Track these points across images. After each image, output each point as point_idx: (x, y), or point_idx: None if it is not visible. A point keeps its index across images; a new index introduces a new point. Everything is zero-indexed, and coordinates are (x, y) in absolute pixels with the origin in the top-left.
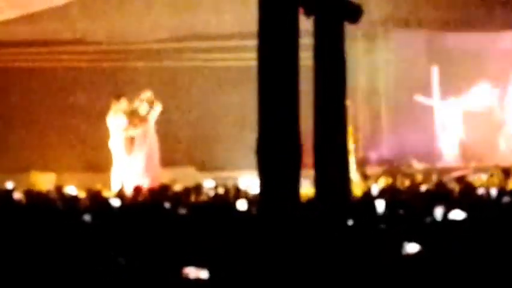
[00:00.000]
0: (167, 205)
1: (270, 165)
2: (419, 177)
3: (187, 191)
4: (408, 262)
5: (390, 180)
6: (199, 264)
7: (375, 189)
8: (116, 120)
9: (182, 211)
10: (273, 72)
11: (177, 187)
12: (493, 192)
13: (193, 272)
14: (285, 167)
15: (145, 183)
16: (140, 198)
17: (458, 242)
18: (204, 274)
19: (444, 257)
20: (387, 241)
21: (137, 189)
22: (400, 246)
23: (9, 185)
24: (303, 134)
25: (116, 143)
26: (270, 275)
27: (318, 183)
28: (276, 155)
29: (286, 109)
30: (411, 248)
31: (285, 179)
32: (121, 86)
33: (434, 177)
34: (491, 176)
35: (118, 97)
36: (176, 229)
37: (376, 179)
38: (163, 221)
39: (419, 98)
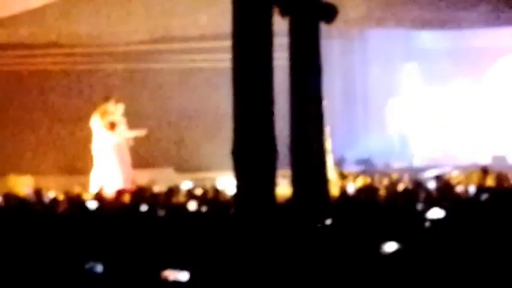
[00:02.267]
0: (144, 207)
1: (246, 166)
2: (395, 176)
3: (167, 193)
4: (387, 261)
5: (367, 180)
6: (178, 267)
7: (351, 189)
8: (102, 122)
9: (161, 213)
10: (247, 72)
11: (156, 188)
12: (472, 190)
13: (172, 275)
14: (260, 168)
15: (120, 186)
16: (122, 201)
17: (438, 240)
18: (183, 276)
19: (424, 256)
20: (366, 240)
21: (120, 192)
22: (379, 245)
23: None
24: (281, 134)
25: (99, 145)
26: (248, 275)
27: (296, 182)
28: (251, 155)
29: (261, 110)
30: (390, 246)
31: (260, 179)
32: (97, 88)
33: (407, 177)
34: (470, 174)
35: (106, 99)
36: (155, 231)
37: (354, 179)
38: (141, 223)
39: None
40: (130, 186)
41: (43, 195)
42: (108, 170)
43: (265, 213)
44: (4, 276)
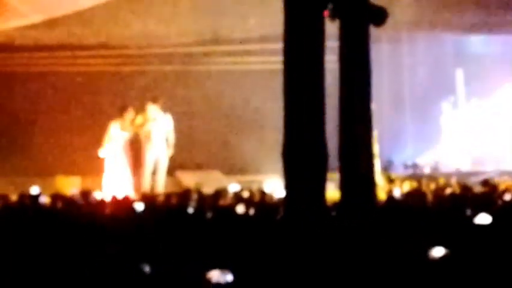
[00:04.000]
0: (192, 209)
1: (296, 168)
2: (443, 181)
3: (214, 195)
4: (434, 266)
5: (414, 184)
6: (223, 268)
7: (398, 193)
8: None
9: (208, 215)
10: (298, 75)
11: (204, 190)
12: None
13: (216, 276)
14: (310, 171)
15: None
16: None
17: (485, 246)
18: (227, 278)
19: (471, 261)
20: (413, 245)
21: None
22: (426, 250)
23: (35, 189)
24: (329, 137)
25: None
26: (295, 278)
27: (344, 186)
28: (301, 158)
29: (312, 112)
30: (437, 252)
31: (311, 182)
32: (145, 90)
33: (455, 181)
34: None
35: (124, 108)
36: (202, 233)
37: (401, 183)
38: (189, 225)
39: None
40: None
41: (90, 196)
42: (120, 174)
43: (316, 217)
44: (50, 274)
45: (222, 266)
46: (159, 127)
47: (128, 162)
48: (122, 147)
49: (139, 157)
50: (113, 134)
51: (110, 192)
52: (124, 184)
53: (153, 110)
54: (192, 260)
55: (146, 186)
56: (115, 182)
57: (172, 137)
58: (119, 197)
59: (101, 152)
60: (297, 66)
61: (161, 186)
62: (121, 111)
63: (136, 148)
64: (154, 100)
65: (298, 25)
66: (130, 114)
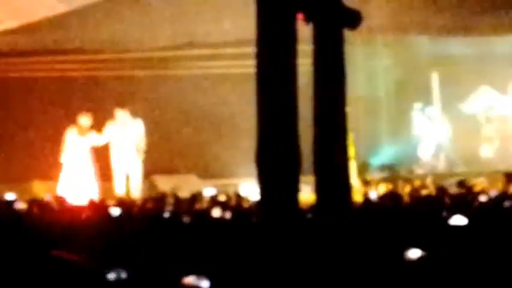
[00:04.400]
0: (168, 214)
1: (269, 173)
2: (418, 183)
3: (190, 200)
4: (411, 267)
5: (390, 186)
6: (200, 274)
7: (374, 195)
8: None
9: (185, 219)
10: (270, 79)
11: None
12: (495, 197)
13: (193, 282)
14: (283, 175)
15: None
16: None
17: (460, 247)
18: (204, 284)
19: (447, 262)
20: (389, 247)
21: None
22: (402, 252)
23: (10, 195)
24: (304, 140)
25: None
26: (271, 282)
27: (320, 189)
28: (274, 162)
29: (285, 116)
30: (414, 253)
31: (284, 186)
32: (120, 95)
33: (431, 182)
34: (495, 180)
35: (122, 105)
36: (178, 237)
37: (376, 185)
38: (164, 229)
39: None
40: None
41: (65, 201)
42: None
43: (290, 221)
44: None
45: (198, 272)
46: (129, 132)
47: (92, 168)
48: (85, 153)
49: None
50: (70, 140)
51: (67, 198)
52: (83, 190)
53: (122, 115)
54: (168, 266)
55: (119, 192)
56: (72, 187)
57: (143, 141)
58: (94, 201)
59: (62, 158)
60: (269, 70)
61: (137, 191)
62: (79, 117)
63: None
64: (122, 105)
65: (270, 28)
66: (85, 120)
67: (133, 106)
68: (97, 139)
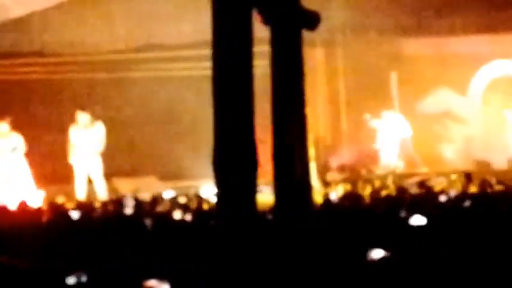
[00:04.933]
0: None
1: (226, 174)
2: (379, 183)
3: (151, 202)
4: (372, 268)
5: (349, 187)
6: (161, 277)
7: (334, 196)
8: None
9: (146, 222)
10: (226, 81)
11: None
12: (455, 196)
13: (154, 285)
14: (240, 176)
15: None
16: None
17: (420, 247)
18: (165, 287)
19: (407, 262)
20: (350, 247)
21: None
22: (363, 252)
23: None
24: (263, 141)
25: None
26: (231, 284)
27: (279, 190)
28: (231, 164)
29: (241, 118)
30: (376, 253)
31: (241, 187)
32: (80, 97)
33: (391, 183)
34: (454, 180)
35: (82, 108)
36: (139, 240)
37: (336, 186)
38: (125, 232)
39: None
40: None
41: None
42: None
43: (248, 222)
44: None
45: (159, 274)
46: (89, 135)
47: (24, 172)
48: (8, 157)
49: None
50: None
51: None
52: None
53: (82, 118)
54: (129, 268)
55: (80, 195)
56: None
57: (102, 144)
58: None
59: None
60: (225, 71)
61: (103, 193)
62: None
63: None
64: (83, 108)
65: (226, 29)
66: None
67: (92, 109)
68: (17, 143)
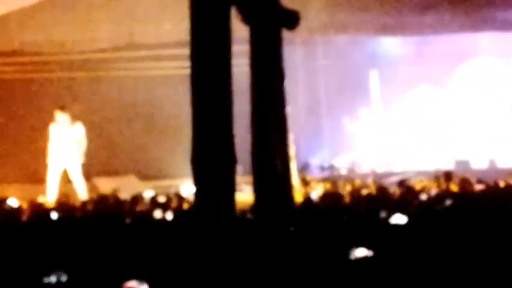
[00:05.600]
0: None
1: (204, 173)
2: (359, 183)
3: (132, 201)
4: (352, 267)
5: (328, 186)
6: (140, 278)
7: (315, 195)
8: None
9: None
10: (204, 80)
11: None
12: (435, 195)
13: (135, 286)
14: (219, 175)
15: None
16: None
17: (400, 246)
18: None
19: (387, 262)
20: (330, 246)
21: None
22: (346, 251)
23: None
24: (245, 141)
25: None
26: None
27: (258, 189)
28: (209, 163)
29: (220, 117)
30: (360, 252)
31: (220, 186)
32: (59, 97)
33: (371, 182)
34: (434, 179)
35: (61, 108)
36: (119, 240)
37: (316, 185)
38: (105, 232)
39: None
40: None
41: (6, 204)
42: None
43: (226, 220)
44: None
45: (139, 274)
46: (68, 134)
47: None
48: None
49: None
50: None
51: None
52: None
53: (61, 117)
54: (109, 268)
55: (50, 197)
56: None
57: (83, 144)
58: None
59: None
60: (203, 70)
61: (83, 193)
62: None
63: None
64: (62, 108)
65: (204, 28)
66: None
67: (72, 108)
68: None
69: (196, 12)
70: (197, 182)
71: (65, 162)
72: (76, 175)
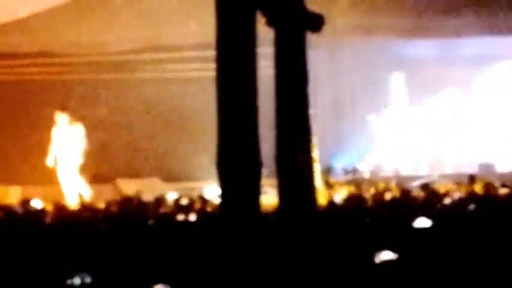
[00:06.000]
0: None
1: (230, 176)
2: (382, 186)
3: (155, 203)
4: (381, 270)
5: (352, 188)
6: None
7: (338, 198)
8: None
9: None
10: (230, 81)
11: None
12: (459, 198)
13: None
14: (244, 178)
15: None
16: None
17: (424, 249)
18: None
19: (414, 265)
20: (353, 249)
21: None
22: (371, 254)
23: None
24: (269, 143)
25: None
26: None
27: (282, 192)
28: (235, 166)
29: (245, 120)
30: (384, 255)
31: (245, 189)
32: (83, 98)
33: (395, 185)
34: (458, 183)
35: (62, 108)
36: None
37: (340, 188)
38: (128, 234)
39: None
40: None
41: (30, 206)
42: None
43: (251, 224)
44: None
45: (163, 277)
46: (67, 136)
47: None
48: None
49: None
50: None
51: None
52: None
53: (61, 119)
54: (132, 271)
55: (72, 196)
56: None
57: (81, 145)
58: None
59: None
60: (228, 72)
61: (86, 194)
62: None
63: None
64: (62, 109)
65: (230, 30)
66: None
67: (96, 110)
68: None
69: (223, 16)
70: (223, 184)
71: (65, 163)
72: (75, 177)
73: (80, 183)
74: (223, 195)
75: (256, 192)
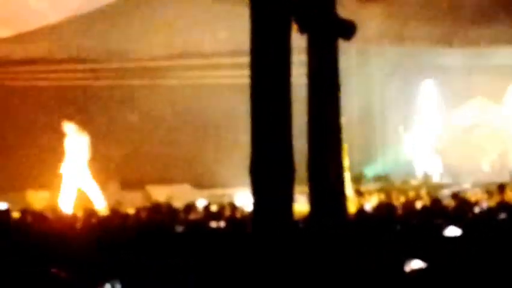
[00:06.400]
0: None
1: (263, 182)
2: (413, 194)
3: (185, 210)
4: (411, 279)
5: (382, 196)
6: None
7: (368, 206)
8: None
9: (180, 230)
10: (265, 89)
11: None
12: (489, 207)
13: None
14: (278, 185)
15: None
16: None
17: (455, 258)
18: None
19: (445, 274)
20: (386, 257)
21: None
22: (401, 263)
23: (3, 205)
24: (300, 151)
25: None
26: None
27: (314, 199)
28: (269, 173)
29: (279, 127)
30: (415, 264)
31: (278, 196)
32: (115, 104)
33: (425, 193)
34: (488, 191)
35: (68, 118)
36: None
37: (370, 196)
38: (159, 241)
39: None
40: None
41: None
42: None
43: (284, 232)
44: None
45: (191, 284)
46: (75, 145)
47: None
48: None
49: None
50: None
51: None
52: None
53: (69, 129)
54: (162, 277)
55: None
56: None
57: (86, 154)
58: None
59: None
60: (263, 79)
61: (98, 201)
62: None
63: None
64: (69, 118)
65: (264, 38)
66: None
67: (127, 116)
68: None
69: (257, 23)
70: (256, 191)
71: (76, 171)
72: (89, 184)
73: (95, 190)
74: (256, 202)
75: (289, 199)
